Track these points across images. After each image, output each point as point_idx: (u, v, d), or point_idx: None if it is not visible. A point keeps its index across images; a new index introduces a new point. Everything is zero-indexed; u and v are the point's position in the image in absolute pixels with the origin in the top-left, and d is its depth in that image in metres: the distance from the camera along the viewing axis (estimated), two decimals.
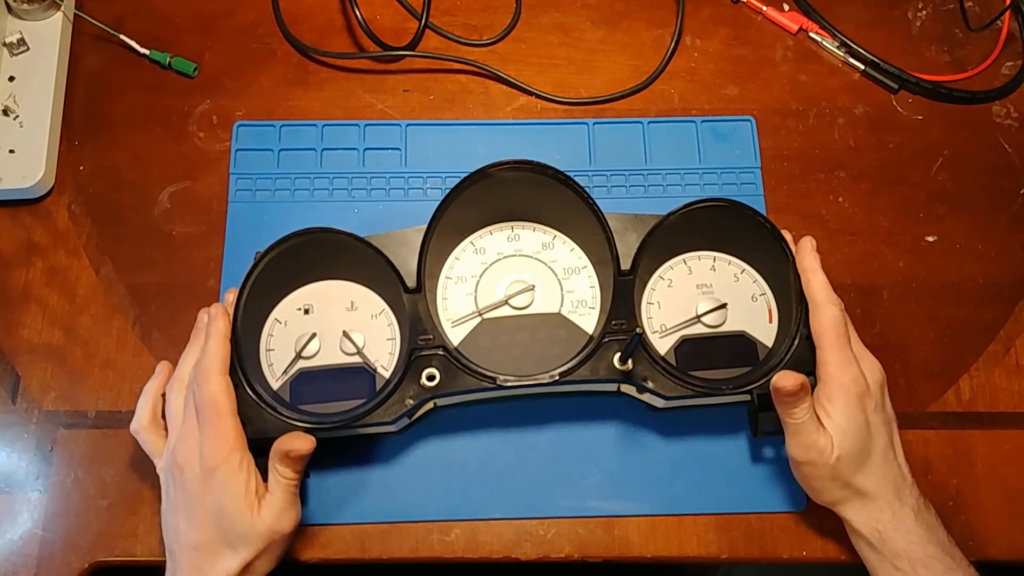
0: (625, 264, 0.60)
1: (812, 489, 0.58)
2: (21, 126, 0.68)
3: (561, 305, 0.62)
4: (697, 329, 0.62)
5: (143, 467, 0.61)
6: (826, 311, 0.57)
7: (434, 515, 0.62)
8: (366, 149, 0.70)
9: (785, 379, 0.55)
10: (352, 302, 0.62)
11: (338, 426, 0.57)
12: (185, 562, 0.53)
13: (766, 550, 0.62)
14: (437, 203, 0.60)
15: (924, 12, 0.78)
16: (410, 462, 0.63)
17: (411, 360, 0.57)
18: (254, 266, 0.59)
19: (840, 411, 0.55)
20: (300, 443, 0.54)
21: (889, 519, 0.55)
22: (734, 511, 0.62)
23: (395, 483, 0.62)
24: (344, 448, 0.62)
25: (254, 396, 0.56)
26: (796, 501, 0.62)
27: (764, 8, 0.76)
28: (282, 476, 0.54)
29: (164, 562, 0.55)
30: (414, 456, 0.63)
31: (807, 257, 0.59)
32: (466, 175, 0.60)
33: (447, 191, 0.60)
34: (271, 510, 0.53)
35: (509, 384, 0.57)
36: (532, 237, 0.64)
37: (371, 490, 0.62)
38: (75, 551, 0.60)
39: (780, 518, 0.62)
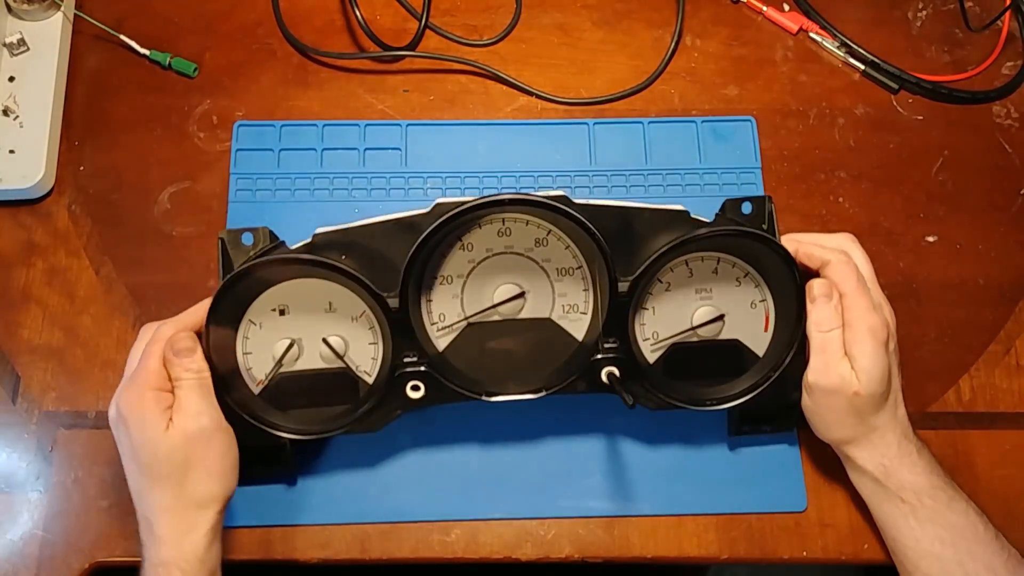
0: (627, 265, 0.58)
1: (825, 423, 0.58)
2: (21, 126, 0.68)
3: (552, 310, 0.60)
4: (690, 337, 0.60)
5: None
6: (837, 260, 0.58)
7: (434, 515, 0.62)
8: (366, 149, 0.70)
9: (816, 286, 0.57)
10: (330, 303, 0.58)
11: (322, 436, 0.56)
12: (140, 516, 0.54)
13: (766, 550, 0.62)
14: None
15: (924, 12, 0.78)
16: (410, 462, 0.63)
17: (395, 376, 0.57)
18: (222, 290, 0.55)
19: (867, 354, 0.55)
20: (178, 337, 0.54)
21: (895, 453, 0.56)
22: (734, 511, 0.62)
23: (395, 483, 0.62)
24: (344, 448, 0.62)
25: (234, 406, 0.55)
26: (796, 501, 0.62)
27: (764, 8, 0.76)
28: (184, 377, 0.53)
29: None
30: (414, 456, 0.63)
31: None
32: (439, 222, 0.55)
33: (424, 235, 0.55)
34: (181, 412, 0.52)
35: (494, 400, 0.57)
36: (524, 232, 0.59)
37: (371, 490, 0.62)
38: (75, 551, 0.60)
39: (780, 518, 0.62)
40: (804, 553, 0.62)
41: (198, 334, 0.55)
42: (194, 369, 0.54)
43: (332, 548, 0.61)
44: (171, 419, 0.52)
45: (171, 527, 0.52)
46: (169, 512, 0.52)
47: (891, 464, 0.56)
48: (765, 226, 0.59)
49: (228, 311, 0.57)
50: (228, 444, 0.54)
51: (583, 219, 0.56)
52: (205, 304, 0.55)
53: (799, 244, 0.59)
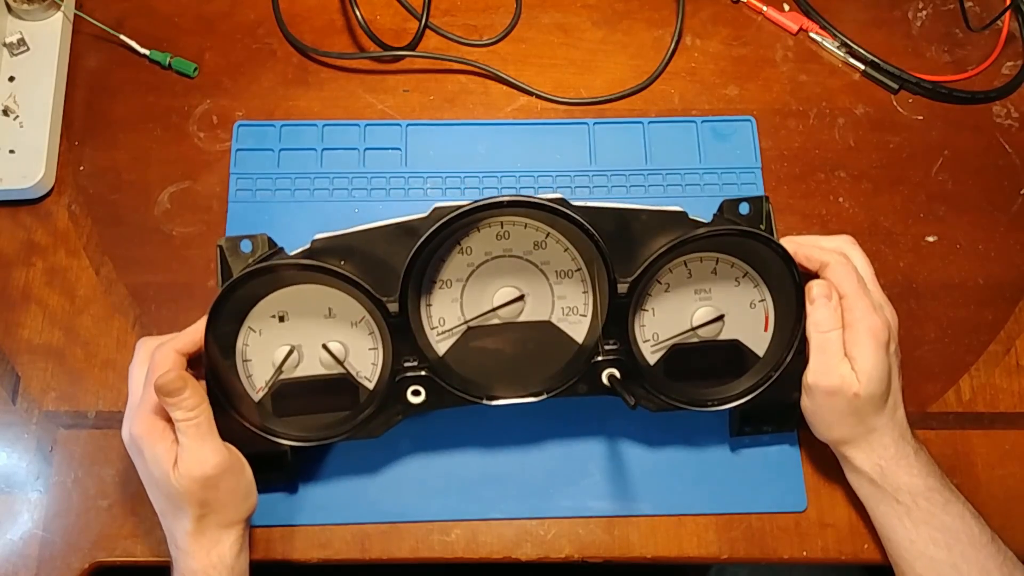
0: (626, 266, 0.58)
1: (824, 423, 0.58)
2: (21, 126, 0.68)
3: (551, 312, 0.60)
4: (690, 338, 0.60)
5: None
6: (836, 261, 0.58)
7: (434, 515, 0.62)
8: (366, 149, 0.70)
9: (815, 287, 0.57)
10: (329, 309, 0.58)
11: (322, 443, 0.56)
12: (164, 528, 0.55)
13: (766, 550, 0.62)
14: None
15: (924, 12, 0.78)
16: (410, 462, 0.63)
17: (395, 381, 0.56)
18: (221, 296, 0.55)
19: (867, 356, 0.55)
20: (164, 378, 0.51)
21: (892, 454, 0.56)
22: (734, 511, 0.62)
23: (395, 483, 0.62)
24: (344, 449, 0.62)
25: (234, 415, 0.55)
26: (796, 501, 0.62)
27: (764, 8, 0.76)
28: (180, 420, 0.52)
29: (164, 562, 0.56)
30: (414, 456, 0.63)
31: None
32: (437, 225, 0.55)
33: (422, 239, 0.55)
34: (184, 459, 0.52)
35: (496, 404, 0.56)
36: (523, 235, 0.60)
37: (371, 490, 0.62)
38: (75, 551, 0.60)
39: (780, 518, 0.62)
40: (804, 553, 0.62)
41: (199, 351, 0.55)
42: (186, 408, 0.52)
43: (332, 548, 0.61)
44: (177, 459, 0.52)
45: (198, 544, 0.53)
46: (194, 535, 0.53)
47: (888, 465, 0.56)
48: (763, 226, 0.60)
49: (227, 318, 0.57)
50: (239, 473, 0.54)
51: (581, 220, 0.56)
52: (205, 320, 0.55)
53: (798, 246, 0.59)
